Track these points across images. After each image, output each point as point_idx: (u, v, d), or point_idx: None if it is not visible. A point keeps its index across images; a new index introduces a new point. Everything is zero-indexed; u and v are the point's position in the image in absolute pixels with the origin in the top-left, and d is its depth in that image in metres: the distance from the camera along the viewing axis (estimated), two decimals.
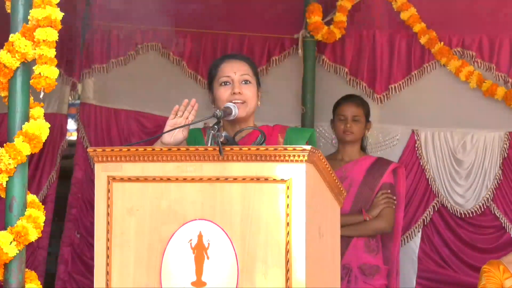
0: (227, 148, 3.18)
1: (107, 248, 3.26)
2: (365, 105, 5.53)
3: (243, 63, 3.84)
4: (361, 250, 5.28)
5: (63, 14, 3.77)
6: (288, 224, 3.11)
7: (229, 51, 6.03)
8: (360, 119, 5.45)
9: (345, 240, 5.07)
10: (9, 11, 3.86)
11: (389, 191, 5.34)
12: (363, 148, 5.55)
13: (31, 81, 3.75)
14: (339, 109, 5.49)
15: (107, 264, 3.26)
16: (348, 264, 5.20)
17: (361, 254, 5.27)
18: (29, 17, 3.76)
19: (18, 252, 3.73)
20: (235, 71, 3.79)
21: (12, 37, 3.77)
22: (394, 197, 5.36)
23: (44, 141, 3.80)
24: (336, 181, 3.48)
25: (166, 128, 3.61)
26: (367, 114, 5.51)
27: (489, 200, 5.92)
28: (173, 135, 3.60)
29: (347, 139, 5.44)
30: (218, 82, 3.80)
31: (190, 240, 3.19)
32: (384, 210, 5.30)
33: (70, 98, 6.26)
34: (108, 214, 3.28)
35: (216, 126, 3.33)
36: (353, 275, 5.22)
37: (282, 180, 3.13)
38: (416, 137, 6.03)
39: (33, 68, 3.74)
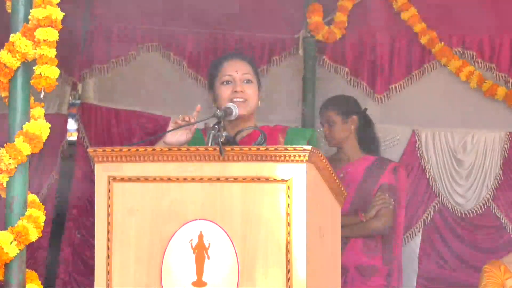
0: (228, 148, 3.18)
1: (108, 248, 3.26)
2: (339, 105, 5.37)
3: (244, 62, 3.85)
4: (359, 250, 5.26)
5: (64, 14, 3.77)
6: (288, 224, 3.11)
7: (229, 51, 6.02)
8: (334, 120, 5.34)
9: (343, 241, 5.05)
10: (9, 10, 3.86)
11: (386, 194, 5.29)
12: (364, 147, 5.48)
13: (31, 81, 3.76)
14: (321, 113, 5.44)
15: (108, 264, 3.26)
16: (344, 265, 5.18)
17: (359, 254, 5.25)
18: (29, 17, 3.76)
19: (18, 252, 3.74)
20: (236, 70, 3.80)
21: (13, 37, 3.77)
22: (392, 199, 5.33)
23: (44, 141, 3.80)
24: (337, 181, 3.48)
25: (170, 127, 3.60)
26: (344, 113, 5.36)
27: (490, 200, 5.92)
28: (176, 136, 3.59)
29: (331, 144, 5.40)
30: (220, 81, 3.81)
31: (191, 240, 3.19)
32: (381, 210, 5.27)
33: (70, 98, 6.26)
34: (108, 214, 3.28)
35: (216, 126, 3.33)
36: (349, 276, 5.21)
37: (283, 180, 3.12)
38: (416, 137, 6.03)
39: (34, 68, 3.75)
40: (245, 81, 3.80)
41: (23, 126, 3.78)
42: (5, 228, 3.76)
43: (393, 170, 5.38)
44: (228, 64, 3.83)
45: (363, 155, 5.45)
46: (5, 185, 3.77)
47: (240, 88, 3.76)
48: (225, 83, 3.80)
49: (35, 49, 3.74)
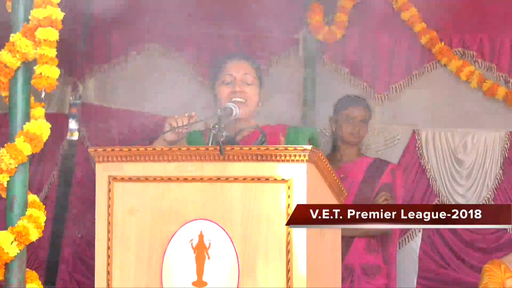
0: (228, 148, 3.18)
1: (108, 248, 3.27)
2: (369, 108, 5.53)
3: (247, 63, 3.87)
4: (363, 250, 5.27)
5: (64, 14, 3.78)
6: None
7: (229, 51, 6.02)
8: (366, 121, 5.43)
9: (347, 240, 5.07)
10: (9, 10, 3.86)
11: (388, 194, 5.32)
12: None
13: (32, 81, 3.76)
14: (348, 110, 5.42)
15: (108, 264, 3.26)
16: (350, 265, 5.20)
17: (363, 254, 5.26)
18: (30, 17, 3.76)
19: (19, 252, 3.74)
20: (237, 70, 3.82)
21: (13, 37, 3.77)
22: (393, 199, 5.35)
23: (45, 141, 3.81)
24: (337, 180, 3.48)
25: (166, 126, 3.62)
26: (369, 112, 5.51)
27: (490, 200, 5.92)
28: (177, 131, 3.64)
29: (352, 141, 5.41)
30: (220, 80, 3.84)
31: (191, 240, 3.19)
32: None
33: (71, 98, 6.26)
34: (109, 214, 3.28)
35: (217, 126, 3.34)
36: (356, 275, 5.22)
37: (283, 180, 3.13)
38: (416, 137, 6.03)
39: (34, 68, 3.75)
40: (245, 82, 3.82)
41: (24, 126, 3.78)
42: (5, 228, 3.76)
43: (391, 171, 5.40)
44: (230, 64, 3.86)
45: (360, 156, 5.47)
46: (5, 185, 3.77)
47: (240, 88, 3.78)
48: (225, 83, 3.83)
49: (36, 49, 3.74)
